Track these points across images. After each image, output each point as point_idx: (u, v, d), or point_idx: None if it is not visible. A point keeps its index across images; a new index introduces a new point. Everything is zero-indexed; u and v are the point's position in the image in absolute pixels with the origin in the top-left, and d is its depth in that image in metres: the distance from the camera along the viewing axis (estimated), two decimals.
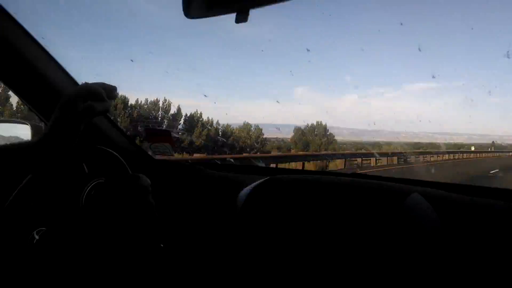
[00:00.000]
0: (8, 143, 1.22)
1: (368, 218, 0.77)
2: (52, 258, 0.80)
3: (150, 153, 1.25)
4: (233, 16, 0.70)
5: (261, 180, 0.99)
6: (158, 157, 1.26)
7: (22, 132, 1.20)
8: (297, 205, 0.86)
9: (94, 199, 1.07)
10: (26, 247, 0.98)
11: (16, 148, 0.87)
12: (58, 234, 0.91)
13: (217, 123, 23.41)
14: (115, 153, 0.94)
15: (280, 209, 0.88)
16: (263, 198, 0.93)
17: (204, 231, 1.03)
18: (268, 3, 0.68)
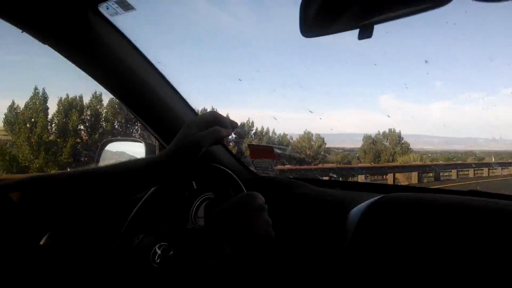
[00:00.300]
0: (130, 158, 1.32)
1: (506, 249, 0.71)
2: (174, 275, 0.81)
3: (252, 169, 1.28)
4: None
5: (374, 199, 0.94)
6: (259, 172, 1.29)
7: (138, 149, 1.30)
8: (422, 229, 0.81)
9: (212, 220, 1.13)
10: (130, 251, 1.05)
11: (144, 163, 0.93)
12: (180, 253, 0.95)
13: (273, 132, 23.35)
14: (228, 170, 0.97)
15: (402, 233, 0.82)
16: (380, 219, 0.87)
17: (310, 255, 0.98)
18: (395, 17, 0.67)
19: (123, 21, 1.09)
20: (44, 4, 0.95)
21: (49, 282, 1.07)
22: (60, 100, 22.10)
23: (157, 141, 1.25)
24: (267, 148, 1.28)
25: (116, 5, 1.02)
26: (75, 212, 0.92)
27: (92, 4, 1.00)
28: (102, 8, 1.03)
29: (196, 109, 1.20)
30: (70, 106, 21.98)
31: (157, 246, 1.01)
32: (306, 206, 1.07)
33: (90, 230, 1.16)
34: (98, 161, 1.34)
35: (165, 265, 0.99)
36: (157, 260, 0.99)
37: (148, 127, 1.18)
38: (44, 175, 0.90)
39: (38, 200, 0.85)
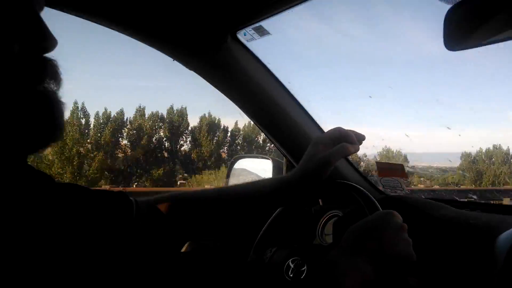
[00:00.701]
0: (258, 175, 1.39)
1: None
2: None
3: (380, 188, 1.26)
4: None
5: None
6: (387, 191, 1.26)
7: (265, 166, 1.35)
8: None
9: (336, 232, 1.13)
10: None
11: (276, 183, 0.97)
12: (315, 269, 0.96)
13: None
14: (360, 187, 0.97)
15: None
16: None
17: (453, 282, 0.90)
18: None
19: (256, 45, 1.16)
20: (191, 34, 1.05)
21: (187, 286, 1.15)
22: (97, 114, 23.97)
23: (284, 158, 1.29)
24: (396, 166, 1.25)
25: (253, 32, 1.09)
26: (211, 226, 0.99)
27: (231, 31, 1.08)
28: (240, 35, 1.11)
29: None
30: (107, 120, 23.83)
31: (290, 260, 1.02)
32: (446, 229, 1.00)
33: (225, 241, 1.23)
34: (228, 176, 1.42)
35: (299, 279, 1.01)
36: (290, 274, 1.00)
37: (277, 144, 1.22)
38: (182, 192, 0.98)
39: (180, 214, 0.93)
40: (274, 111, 1.16)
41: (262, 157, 1.41)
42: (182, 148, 25.90)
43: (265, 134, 1.23)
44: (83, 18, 0.96)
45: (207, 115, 26.55)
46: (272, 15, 1.00)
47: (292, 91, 1.20)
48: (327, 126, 1.17)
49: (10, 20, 0.56)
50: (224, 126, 27.03)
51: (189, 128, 26.28)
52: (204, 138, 25.57)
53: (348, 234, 0.79)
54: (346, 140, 0.95)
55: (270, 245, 1.07)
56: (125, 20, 0.99)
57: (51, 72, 0.59)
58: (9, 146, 0.57)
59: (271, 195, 0.96)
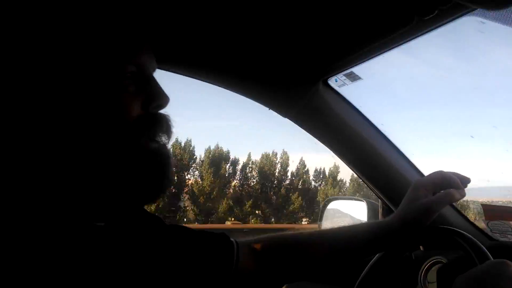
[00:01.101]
0: (353, 217, 1.37)
1: None
2: None
3: (488, 232, 1.16)
4: None
5: None
6: (496, 236, 1.16)
7: (360, 208, 1.33)
8: None
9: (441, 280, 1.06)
10: None
11: (376, 228, 0.95)
12: None
13: None
14: (468, 234, 0.90)
15: None
16: None
17: None
18: None
19: (347, 89, 1.17)
20: (284, 83, 1.11)
21: None
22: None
23: (380, 201, 1.26)
24: (506, 208, 1.15)
25: (344, 77, 1.11)
26: (308, 270, 0.99)
27: (323, 78, 1.11)
28: (331, 81, 1.13)
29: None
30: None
31: None
32: None
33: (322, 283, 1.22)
34: (321, 218, 1.42)
35: None
36: None
37: (372, 187, 1.21)
38: (280, 236, 1.00)
39: (279, 258, 0.95)
40: (368, 154, 1.15)
41: (356, 199, 1.39)
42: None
43: (359, 177, 1.22)
44: (181, 74, 1.07)
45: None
46: (364, 62, 1.01)
47: (386, 133, 1.18)
48: (426, 169, 1.12)
49: (139, 86, 0.63)
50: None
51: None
52: None
53: (458, 285, 0.74)
54: (450, 185, 0.90)
55: None
56: (224, 75, 1.08)
57: (165, 127, 0.65)
58: (128, 196, 0.62)
59: (369, 241, 0.94)
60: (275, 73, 1.08)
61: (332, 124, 1.14)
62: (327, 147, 1.18)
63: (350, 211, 1.39)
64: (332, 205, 1.43)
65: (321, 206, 1.44)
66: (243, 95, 1.14)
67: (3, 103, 0.56)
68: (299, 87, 1.11)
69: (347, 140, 1.15)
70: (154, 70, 0.68)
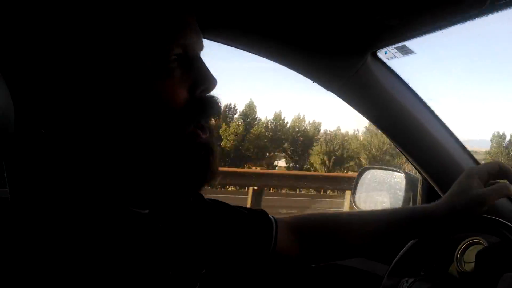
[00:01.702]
0: (387, 189, 1.35)
1: None
2: None
3: None
4: None
5: None
6: None
7: (397, 180, 1.31)
8: None
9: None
10: None
11: (420, 213, 0.93)
12: None
13: None
14: None
15: None
16: None
17: None
18: None
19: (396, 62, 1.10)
20: (331, 56, 1.04)
21: None
22: None
23: (420, 175, 1.23)
24: None
25: (395, 50, 1.04)
26: (345, 252, 0.98)
27: (373, 50, 1.04)
28: (381, 53, 1.06)
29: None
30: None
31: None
32: None
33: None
34: (355, 188, 1.40)
35: None
36: None
37: (415, 164, 1.17)
38: (318, 216, 0.99)
39: (315, 238, 0.94)
40: (415, 131, 1.10)
41: (394, 170, 1.36)
42: None
43: (401, 152, 1.18)
44: (233, 47, 1.01)
45: None
46: (419, 37, 0.94)
47: (437, 113, 1.12)
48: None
49: (185, 69, 0.59)
50: None
51: None
52: None
53: (503, 284, 0.73)
54: (507, 177, 0.86)
55: (406, 272, 1.02)
56: (272, 49, 1.03)
57: (214, 110, 0.63)
58: (171, 186, 0.62)
59: (412, 227, 0.92)
60: (321, 42, 1.02)
61: (379, 98, 1.09)
62: (371, 121, 1.14)
63: (386, 183, 1.36)
64: (367, 175, 1.40)
65: (356, 175, 1.41)
66: (285, 65, 1.08)
67: (56, 92, 0.56)
68: (346, 58, 1.05)
69: (393, 115, 1.10)
70: (201, 49, 0.64)
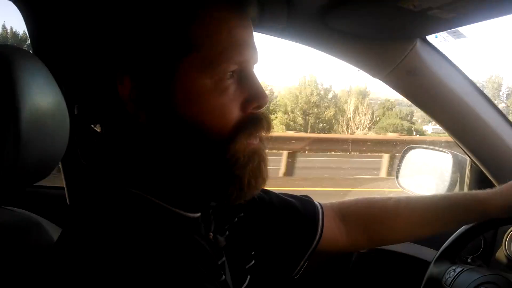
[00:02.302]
0: (434, 170, 1.33)
1: None
2: None
3: None
4: None
5: None
6: None
7: (444, 161, 1.28)
8: None
9: None
10: None
11: (468, 202, 0.92)
12: None
13: None
14: None
15: None
16: None
17: None
18: None
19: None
20: (378, 42, 1.01)
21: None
22: None
23: (468, 157, 1.20)
24: None
25: (446, 34, 0.99)
26: (395, 237, 1.00)
27: (422, 36, 1.00)
28: (431, 37, 1.02)
29: None
30: None
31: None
32: None
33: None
34: (399, 167, 1.38)
35: None
36: None
37: (466, 149, 1.14)
38: (365, 201, 0.99)
39: (362, 224, 0.95)
40: (465, 114, 1.07)
41: (441, 150, 1.33)
42: None
43: (451, 137, 1.15)
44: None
45: None
46: (473, 23, 0.89)
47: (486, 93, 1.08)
48: None
49: (239, 85, 0.60)
50: None
51: None
52: None
53: None
54: None
55: (453, 259, 1.02)
56: (318, 37, 1.02)
57: (266, 125, 0.64)
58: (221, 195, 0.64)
59: (463, 216, 0.92)
60: (368, 29, 0.99)
61: (428, 84, 1.05)
62: (420, 108, 1.11)
63: (432, 163, 1.34)
64: (412, 154, 1.37)
65: (401, 154, 1.39)
66: (330, 53, 1.06)
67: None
68: (394, 44, 1.01)
69: (443, 100, 1.06)
70: (256, 62, 0.64)
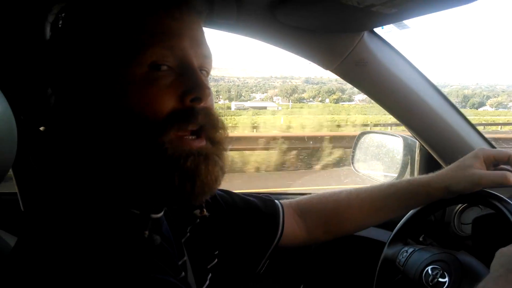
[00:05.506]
0: (386, 153, 1.39)
1: None
2: None
3: None
4: None
5: None
6: None
7: (395, 144, 1.34)
8: None
9: None
10: None
11: (412, 187, 0.97)
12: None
13: None
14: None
15: None
16: None
17: None
18: None
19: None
20: (327, 36, 1.04)
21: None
22: None
23: (417, 141, 1.26)
24: None
25: (392, 26, 1.03)
26: (349, 228, 1.04)
27: (368, 29, 1.04)
28: (377, 29, 1.05)
29: None
30: None
31: (430, 267, 0.96)
32: None
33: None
34: (354, 151, 1.43)
35: None
36: (430, 283, 0.94)
37: (415, 134, 1.20)
38: (318, 197, 1.04)
39: (317, 219, 1.01)
40: (412, 101, 1.12)
41: (392, 134, 1.39)
42: None
43: (405, 126, 1.20)
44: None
45: None
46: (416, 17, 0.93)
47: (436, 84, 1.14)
48: None
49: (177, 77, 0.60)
50: None
51: None
52: None
53: (499, 260, 0.74)
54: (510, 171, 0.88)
55: (406, 240, 1.08)
56: (268, 31, 1.03)
57: (210, 121, 0.63)
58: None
59: (409, 200, 0.97)
60: (316, 24, 1.01)
61: (376, 73, 1.09)
62: (370, 96, 1.15)
63: (384, 146, 1.40)
64: (366, 139, 1.43)
65: (355, 139, 1.44)
66: (281, 47, 1.08)
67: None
68: (342, 37, 1.04)
69: (390, 88, 1.11)
70: (202, 58, 0.63)
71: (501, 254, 0.75)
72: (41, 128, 0.65)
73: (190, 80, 0.59)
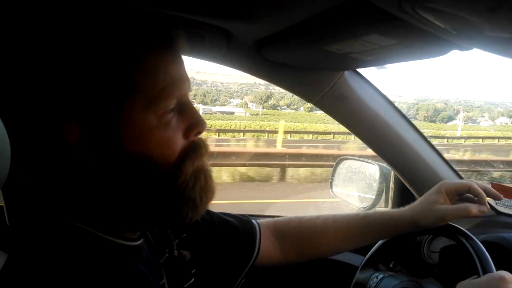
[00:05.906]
0: (364, 179, 1.45)
1: None
2: None
3: (493, 204, 1.23)
4: None
5: None
6: (501, 208, 1.25)
7: (372, 172, 1.41)
8: None
9: None
10: None
11: (389, 218, 1.03)
12: None
13: None
14: (477, 241, 0.90)
15: None
16: None
17: None
18: None
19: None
20: (311, 72, 1.10)
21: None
22: None
23: (392, 171, 1.34)
24: None
25: None
26: (324, 252, 1.10)
27: (347, 69, 1.11)
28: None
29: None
30: None
31: None
32: None
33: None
34: (333, 176, 1.50)
35: None
36: None
37: (390, 165, 1.28)
38: (296, 220, 1.09)
39: (293, 242, 1.06)
40: (388, 135, 1.19)
41: (369, 162, 1.46)
42: None
43: (380, 156, 1.27)
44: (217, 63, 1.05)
45: None
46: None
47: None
48: None
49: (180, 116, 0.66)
50: None
51: None
52: None
53: None
54: (473, 200, 0.94)
55: (377, 266, 1.14)
56: (256, 66, 1.09)
57: (206, 149, 0.69)
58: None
59: (382, 231, 1.03)
60: (301, 62, 1.07)
61: (355, 108, 1.16)
62: (349, 130, 1.21)
63: (361, 173, 1.47)
64: (344, 165, 1.50)
65: (334, 165, 1.50)
66: (268, 80, 1.14)
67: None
68: (324, 74, 1.11)
69: (368, 122, 1.18)
70: (191, 91, 0.69)
71: (461, 287, 0.81)
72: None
73: (191, 117, 0.66)
